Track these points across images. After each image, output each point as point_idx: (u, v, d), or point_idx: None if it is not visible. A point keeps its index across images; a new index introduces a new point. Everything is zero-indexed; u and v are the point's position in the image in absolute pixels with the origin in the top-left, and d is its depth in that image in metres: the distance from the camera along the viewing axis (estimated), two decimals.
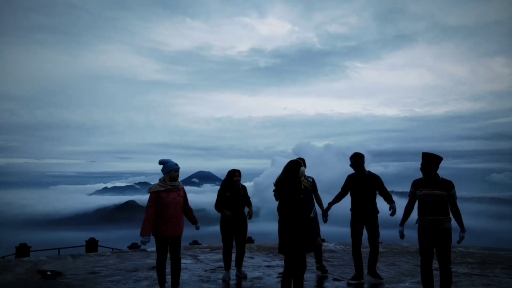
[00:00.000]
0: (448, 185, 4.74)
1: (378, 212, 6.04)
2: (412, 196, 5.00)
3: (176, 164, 5.20)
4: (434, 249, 4.80)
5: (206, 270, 6.80)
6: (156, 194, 5.09)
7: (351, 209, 6.07)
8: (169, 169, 5.16)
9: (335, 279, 6.14)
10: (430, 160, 4.78)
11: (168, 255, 5.23)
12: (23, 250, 11.19)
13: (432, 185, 4.76)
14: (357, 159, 6.03)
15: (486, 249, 8.95)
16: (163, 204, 5.07)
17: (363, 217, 5.96)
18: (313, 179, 6.51)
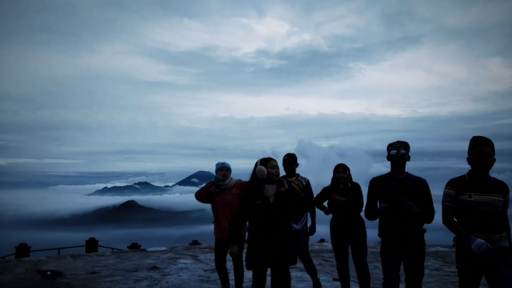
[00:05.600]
0: (503, 187, 3.21)
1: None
2: (452, 203, 3.25)
3: (222, 164, 5.14)
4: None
5: (206, 270, 6.80)
6: (207, 187, 5.00)
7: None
8: (216, 168, 5.15)
9: (335, 279, 6.13)
10: (492, 148, 3.15)
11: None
12: (23, 250, 11.20)
13: (486, 188, 3.18)
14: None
15: None
16: (215, 205, 5.02)
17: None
18: (307, 182, 5.24)
